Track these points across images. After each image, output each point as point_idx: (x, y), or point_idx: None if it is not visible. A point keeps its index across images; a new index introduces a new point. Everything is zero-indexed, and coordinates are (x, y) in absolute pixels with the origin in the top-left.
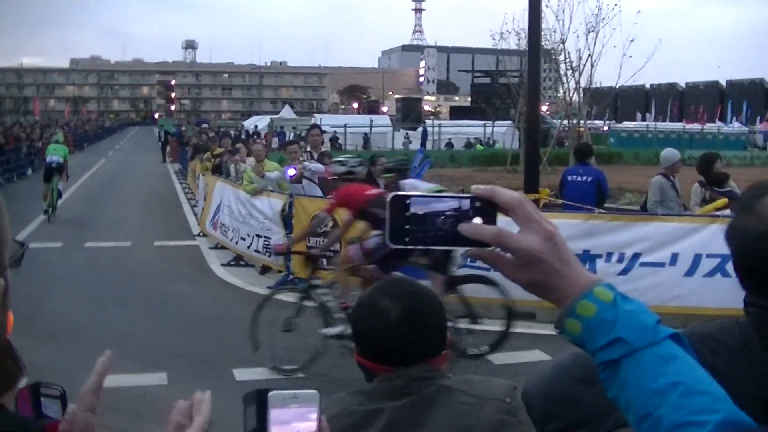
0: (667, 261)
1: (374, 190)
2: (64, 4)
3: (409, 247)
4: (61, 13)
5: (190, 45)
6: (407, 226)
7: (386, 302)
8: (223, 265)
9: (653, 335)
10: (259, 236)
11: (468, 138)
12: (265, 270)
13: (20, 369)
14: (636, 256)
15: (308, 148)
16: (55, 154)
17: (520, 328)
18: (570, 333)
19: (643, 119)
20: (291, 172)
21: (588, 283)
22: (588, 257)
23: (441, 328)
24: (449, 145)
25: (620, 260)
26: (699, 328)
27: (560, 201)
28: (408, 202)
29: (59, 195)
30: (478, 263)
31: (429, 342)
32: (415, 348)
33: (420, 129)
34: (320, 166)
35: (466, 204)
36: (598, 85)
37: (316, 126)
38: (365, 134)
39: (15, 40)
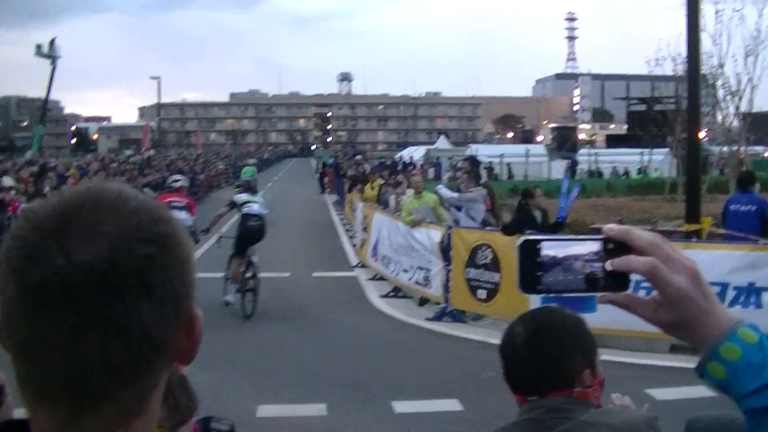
0: None
1: None
2: (224, 40)
3: (541, 294)
4: (221, 49)
5: (345, 77)
6: (538, 273)
7: (518, 327)
8: (381, 296)
9: None
10: (420, 268)
11: (614, 167)
12: (423, 302)
13: (194, 403)
14: None
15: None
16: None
17: (683, 362)
18: (713, 377)
19: None
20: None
21: (731, 324)
22: (753, 290)
23: (568, 357)
24: (600, 173)
25: None
26: None
27: (722, 231)
28: (539, 246)
29: None
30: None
31: (552, 370)
32: (538, 375)
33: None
34: (454, 195)
35: (598, 246)
36: (759, 110)
37: (471, 157)
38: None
39: (178, 77)
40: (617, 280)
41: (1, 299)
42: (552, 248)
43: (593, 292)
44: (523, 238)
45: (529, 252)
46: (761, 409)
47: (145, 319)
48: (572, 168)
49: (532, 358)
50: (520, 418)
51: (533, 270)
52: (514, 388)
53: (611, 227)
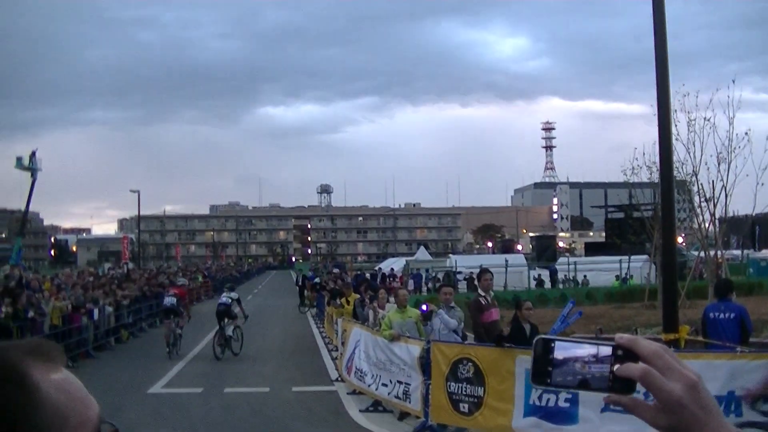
0: None
1: None
2: (205, 154)
3: (551, 388)
4: (202, 162)
5: (325, 189)
6: (550, 368)
7: None
8: (361, 411)
9: None
10: (400, 382)
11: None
12: (403, 416)
13: None
14: None
15: (482, 293)
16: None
17: None
18: None
19: None
20: (424, 307)
21: None
22: (733, 398)
23: None
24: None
25: (766, 401)
26: None
27: (701, 339)
28: (552, 345)
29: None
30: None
31: None
32: None
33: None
34: (454, 322)
35: (608, 351)
36: (735, 214)
37: (487, 270)
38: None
39: (159, 189)
40: (624, 384)
41: None
42: (565, 348)
43: (601, 392)
44: (539, 336)
45: (543, 349)
46: None
47: None
48: (552, 277)
49: None
50: None
51: (546, 366)
52: None
53: (621, 336)
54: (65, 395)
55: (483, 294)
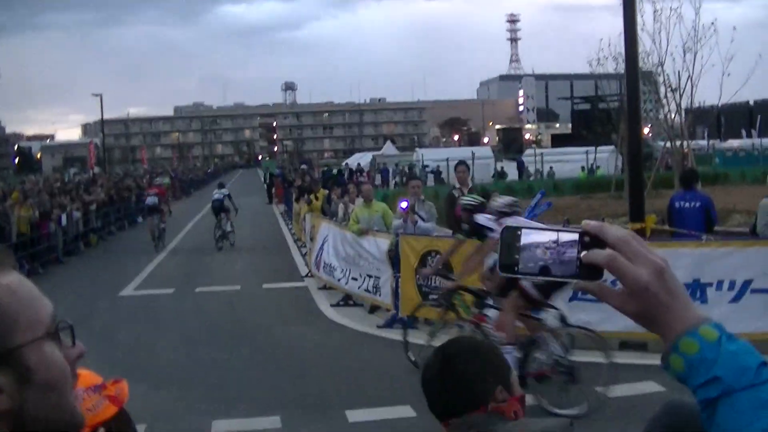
0: None
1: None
2: (167, 54)
3: (518, 276)
4: (164, 63)
5: (289, 86)
6: (517, 257)
7: (432, 359)
8: (332, 305)
9: (754, 377)
10: (369, 276)
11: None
12: (373, 309)
13: None
14: (747, 283)
15: (457, 185)
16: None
17: (633, 359)
18: (673, 369)
19: (749, 136)
20: (404, 204)
21: (694, 321)
22: (698, 286)
23: (478, 379)
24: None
25: (731, 288)
26: None
27: (667, 228)
28: (519, 233)
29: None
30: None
31: (465, 392)
32: (453, 399)
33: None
34: (430, 227)
35: (574, 237)
36: (701, 105)
37: (462, 162)
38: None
39: (121, 93)
40: (591, 271)
41: None
42: (532, 236)
43: (568, 279)
44: (505, 225)
45: (510, 238)
46: (710, 401)
47: None
48: (519, 169)
49: (445, 384)
50: None
51: (513, 254)
52: (438, 416)
53: (588, 222)
54: (13, 297)
55: (458, 186)
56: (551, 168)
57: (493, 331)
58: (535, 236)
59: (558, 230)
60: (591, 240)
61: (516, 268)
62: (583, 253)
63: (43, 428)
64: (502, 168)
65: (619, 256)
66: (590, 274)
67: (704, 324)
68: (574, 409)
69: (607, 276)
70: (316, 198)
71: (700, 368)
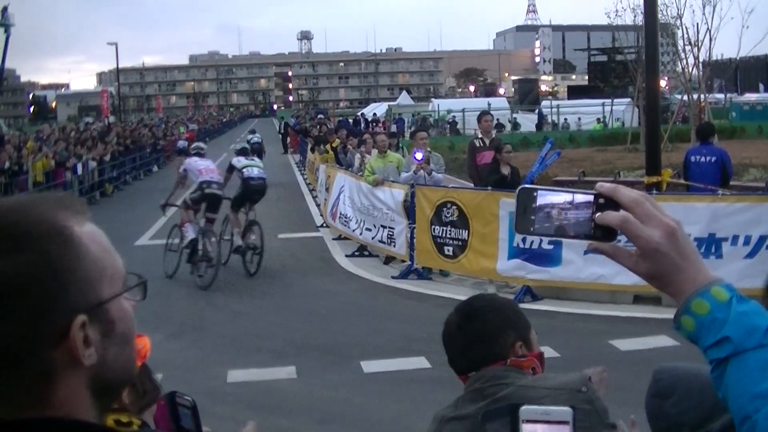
0: None
1: None
2: (182, 2)
3: (534, 235)
4: (180, 11)
5: (305, 36)
6: (533, 217)
7: (452, 316)
8: (347, 256)
9: (763, 337)
10: (384, 227)
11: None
12: (389, 260)
13: (157, 389)
14: (763, 238)
15: (479, 134)
16: None
17: (646, 312)
18: (685, 329)
19: (766, 91)
20: (419, 155)
21: (706, 282)
22: (713, 241)
23: (498, 334)
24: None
25: (746, 243)
26: None
27: (683, 182)
28: (535, 194)
29: None
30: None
31: (486, 347)
32: (473, 354)
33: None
34: (441, 177)
35: (589, 199)
36: (718, 58)
37: (487, 112)
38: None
39: (137, 41)
40: (605, 232)
41: None
42: (547, 197)
43: (582, 239)
44: (522, 186)
45: (525, 198)
46: (720, 361)
47: None
48: (539, 121)
49: (466, 339)
50: (464, 392)
51: (529, 214)
52: (457, 371)
53: (602, 184)
54: (99, 246)
55: (480, 136)
56: (566, 120)
57: None
58: (551, 197)
59: (573, 192)
60: (605, 201)
61: (532, 228)
62: (598, 214)
63: (115, 381)
64: (515, 119)
65: (632, 217)
66: (604, 235)
67: (715, 285)
68: None
69: (621, 237)
70: (332, 148)
71: (711, 328)
